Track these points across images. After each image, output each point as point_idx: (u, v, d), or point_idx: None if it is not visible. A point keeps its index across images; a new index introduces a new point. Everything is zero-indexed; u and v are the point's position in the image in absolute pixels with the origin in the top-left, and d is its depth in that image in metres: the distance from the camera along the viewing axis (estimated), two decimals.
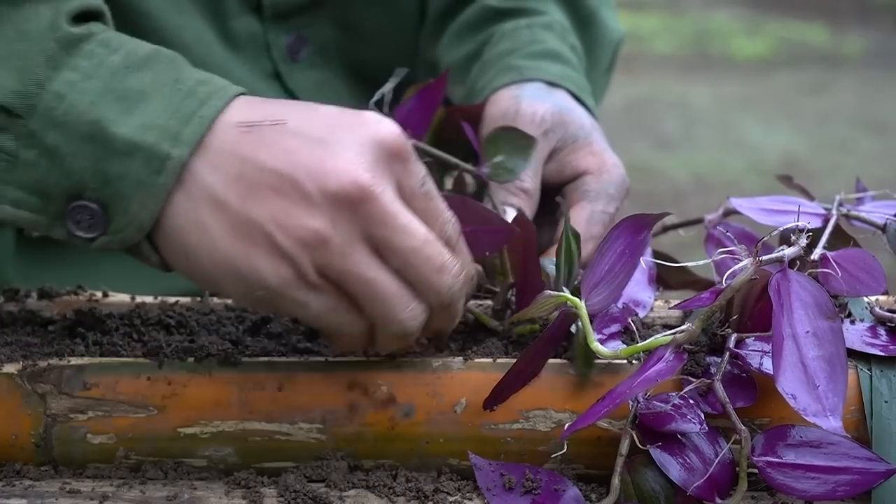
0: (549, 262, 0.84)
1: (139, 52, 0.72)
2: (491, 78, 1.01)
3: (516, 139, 0.90)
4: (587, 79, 1.06)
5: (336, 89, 1.13)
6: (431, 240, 0.70)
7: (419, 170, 0.72)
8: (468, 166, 0.89)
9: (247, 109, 0.71)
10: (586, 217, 0.93)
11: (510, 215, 0.89)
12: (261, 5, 1.08)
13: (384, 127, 0.71)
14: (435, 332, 0.76)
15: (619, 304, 0.79)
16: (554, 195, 0.96)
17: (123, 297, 0.87)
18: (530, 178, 0.93)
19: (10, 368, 0.75)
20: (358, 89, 1.14)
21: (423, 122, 0.94)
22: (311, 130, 0.70)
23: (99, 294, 0.88)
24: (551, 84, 0.99)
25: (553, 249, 0.91)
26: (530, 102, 0.96)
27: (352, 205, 0.68)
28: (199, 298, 0.86)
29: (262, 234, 0.68)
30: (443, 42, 1.11)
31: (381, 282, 0.69)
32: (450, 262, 0.71)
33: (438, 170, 0.92)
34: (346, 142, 0.69)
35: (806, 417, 0.68)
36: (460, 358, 0.76)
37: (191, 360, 0.75)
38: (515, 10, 1.08)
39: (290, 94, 1.10)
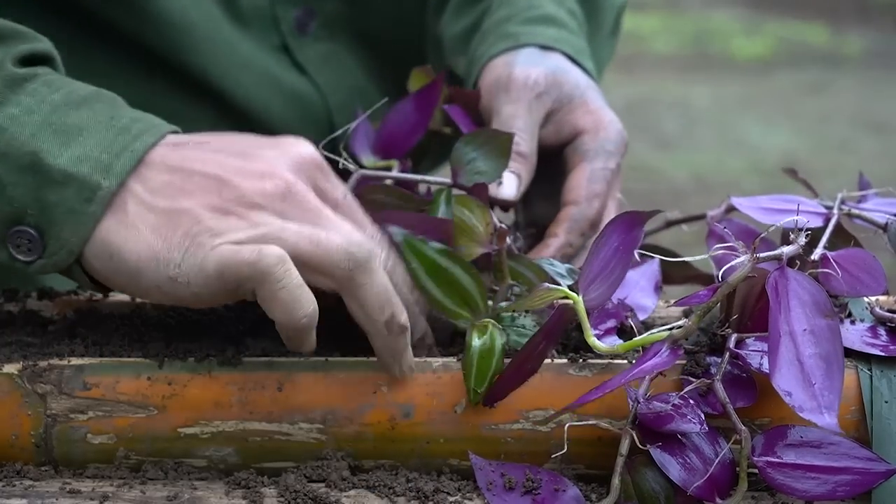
0: (546, 262, 0.84)
1: (80, 92, 0.77)
2: (488, 47, 1.01)
3: (492, 139, 0.87)
4: (589, 44, 1.06)
5: (344, 62, 1.13)
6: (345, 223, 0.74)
7: (340, 184, 0.77)
8: (439, 178, 0.87)
9: (175, 139, 0.76)
10: (587, 176, 0.93)
11: (509, 182, 0.89)
12: None
13: (302, 145, 0.77)
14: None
15: (615, 300, 0.80)
16: (554, 159, 0.95)
17: (123, 297, 0.87)
18: (526, 141, 0.92)
19: (10, 368, 0.75)
20: (366, 61, 1.14)
21: (420, 124, 0.93)
22: (233, 148, 0.76)
23: (99, 294, 0.88)
24: (546, 48, 0.99)
25: (556, 221, 0.91)
26: (523, 67, 0.96)
27: (278, 197, 0.73)
28: None
29: (189, 217, 0.72)
30: (444, 17, 1.11)
31: (303, 225, 0.73)
32: (356, 234, 0.74)
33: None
34: (267, 154, 0.76)
35: (801, 414, 0.68)
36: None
37: (191, 360, 0.75)
38: None
39: (299, 68, 1.10)
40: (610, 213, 0.93)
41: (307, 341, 0.74)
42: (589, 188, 0.92)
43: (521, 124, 0.92)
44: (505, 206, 0.91)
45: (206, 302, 0.73)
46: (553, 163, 0.95)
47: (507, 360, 0.75)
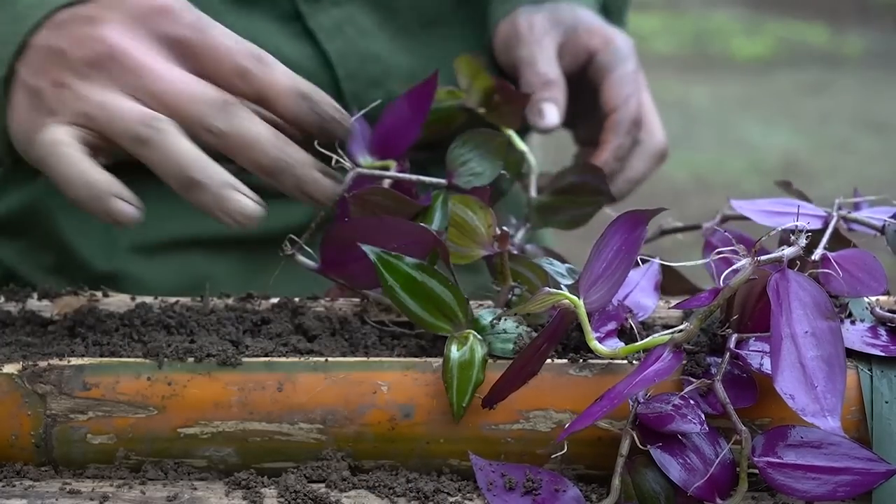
0: (545, 262, 0.84)
1: None
2: (494, 9, 1.09)
3: (488, 140, 0.87)
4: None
5: (360, 26, 1.12)
6: (182, 78, 0.77)
7: (189, 19, 0.79)
8: (432, 179, 0.86)
9: (61, 17, 0.80)
10: (615, 83, 1.01)
11: (549, 110, 0.97)
12: None
13: None
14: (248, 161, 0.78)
15: (615, 302, 0.79)
16: (581, 85, 1.03)
17: (123, 297, 0.87)
18: (552, 68, 1.00)
19: (10, 369, 0.75)
20: (385, 24, 1.14)
21: (414, 123, 0.93)
22: (92, 13, 0.79)
23: (99, 294, 0.88)
24: (538, 2, 1.07)
25: (603, 130, 1.01)
26: (526, 17, 1.05)
27: (97, 64, 0.77)
28: (199, 298, 0.86)
29: (39, 96, 0.78)
30: None
31: (108, 100, 0.76)
32: (194, 85, 0.77)
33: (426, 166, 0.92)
34: (106, 15, 0.79)
35: (804, 417, 0.67)
36: None
37: (191, 360, 0.75)
38: None
39: (310, 35, 1.10)
40: (647, 107, 1.06)
41: (112, 209, 0.75)
42: (621, 92, 1.01)
43: (541, 57, 1.00)
44: (548, 131, 1.00)
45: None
46: (581, 88, 1.03)
47: (500, 363, 0.75)
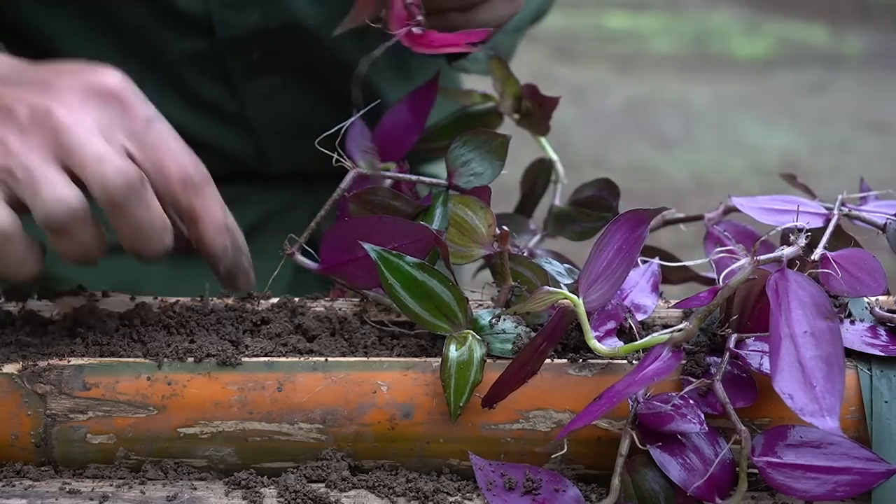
0: (544, 262, 0.84)
1: None
2: None
3: (489, 140, 0.86)
4: None
5: (288, 94, 1.12)
6: (98, 143, 0.76)
7: (141, 111, 0.79)
8: (433, 179, 0.86)
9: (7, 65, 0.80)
10: None
11: None
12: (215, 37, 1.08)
13: (104, 73, 0.79)
14: (133, 249, 0.79)
15: (614, 302, 0.79)
16: None
17: (123, 297, 0.87)
18: None
19: (10, 368, 0.75)
20: (311, 92, 1.13)
21: (416, 126, 0.93)
22: (37, 76, 0.79)
23: (99, 294, 0.88)
24: None
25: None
26: None
27: (39, 125, 0.76)
28: (199, 298, 0.86)
29: None
30: None
31: (38, 167, 0.75)
32: (115, 158, 0.76)
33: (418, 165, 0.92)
34: (62, 82, 0.78)
35: (803, 417, 0.68)
36: None
37: (191, 360, 0.75)
38: None
39: (237, 101, 1.11)
40: None
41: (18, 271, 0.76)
42: None
43: None
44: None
45: None
46: None
47: (499, 363, 0.75)
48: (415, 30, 0.83)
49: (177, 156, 0.79)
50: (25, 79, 0.80)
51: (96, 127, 0.77)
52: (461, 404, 0.73)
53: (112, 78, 0.79)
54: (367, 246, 0.77)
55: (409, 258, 0.77)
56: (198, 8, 1.06)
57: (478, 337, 0.75)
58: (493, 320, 0.77)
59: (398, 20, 0.83)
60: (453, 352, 0.74)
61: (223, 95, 1.10)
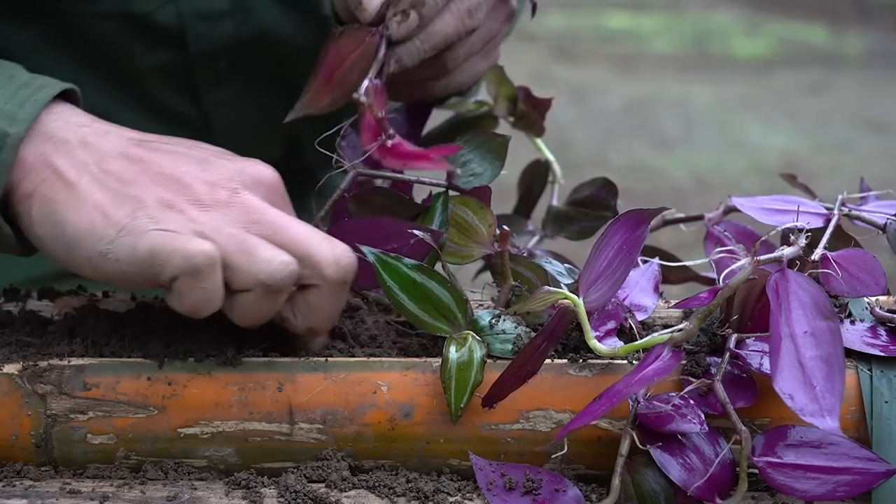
0: (544, 261, 0.84)
1: None
2: None
3: (488, 141, 0.86)
4: None
5: (250, 101, 1.12)
6: (305, 225, 0.76)
7: (292, 210, 0.79)
8: (433, 181, 0.86)
9: (141, 136, 0.79)
10: None
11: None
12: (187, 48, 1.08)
13: (263, 167, 0.79)
14: (311, 329, 0.77)
15: (614, 302, 0.79)
16: None
17: (123, 297, 0.87)
18: None
19: (10, 369, 0.75)
20: (272, 99, 1.11)
21: (413, 135, 0.94)
22: (195, 154, 0.78)
23: (99, 294, 0.88)
24: None
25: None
26: None
27: (224, 203, 0.75)
28: None
29: (135, 202, 0.74)
30: None
31: (243, 233, 0.74)
32: (337, 241, 0.76)
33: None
34: (227, 165, 0.78)
35: (803, 417, 0.68)
36: None
37: (191, 360, 0.75)
38: None
39: (202, 109, 1.11)
40: None
41: (210, 305, 0.74)
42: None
43: None
44: (381, 15, 0.85)
45: (129, 284, 0.75)
46: None
47: (499, 363, 0.75)
48: (388, 143, 0.82)
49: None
50: (174, 150, 0.78)
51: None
52: (462, 405, 0.73)
53: (270, 171, 0.79)
54: (364, 249, 0.77)
55: (407, 260, 0.77)
56: (172, 21, 1.06)
57: (478, 338, 0.75)
58: (493, 321, 0.77)
59: (369, 132, 0.82)
60: (453, 353, 0.74)
61: (187, 104, 1.10)
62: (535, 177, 1.01)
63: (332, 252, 0.75)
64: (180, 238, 0.72)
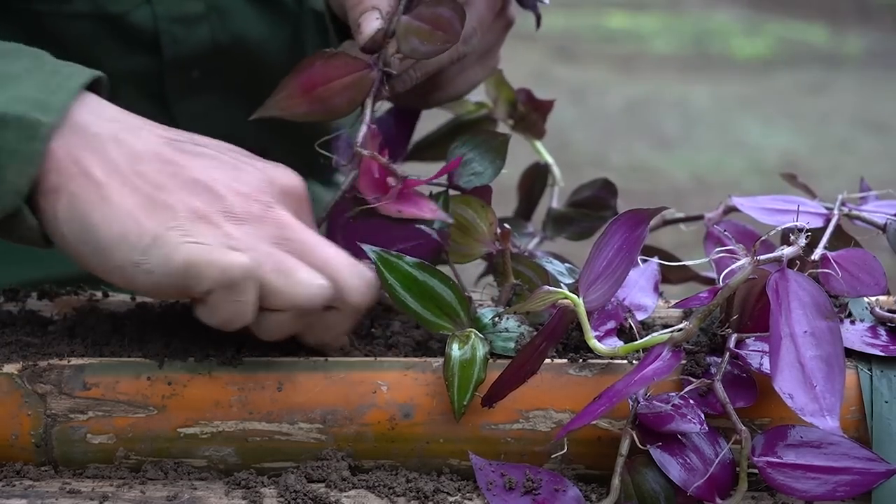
0: (545, 261, 0.84)
1: (5, 46, 0.78)
2: None
3: (488, 140, 0.86)
4: None
5: (220, 113, 1.11)
6: (335, 246, 0.76)
7: (313, 221, 0.79)
8: (434, 179, 0.86)
9: (173, 135, 0.77)
10: None
11: (366, 22, 0.84)
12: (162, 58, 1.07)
13: (291, 174, 0.78)
14: (320, 342, 0.77)
15: (614, 302, 0.79)
16: None
17: (123, 297, 0.87)
18: None
19: (10, 368, 0.75)
20: (247, 112, 1.12)
21: (403, 136, 0.94)
22: (226, 158, 0.77)
23: (99, 294, 0.88)
24: None
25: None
26: None
27: (258, 218, 0.74)
28: None
29: (168, 210, 0.73)
30: None
31: (279, 252, 0.73)
32: (364, 266, 0.76)
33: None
34: (258, 174, 0.77)
35: (803, 417, 0.68)
36: None
37: (191, 360, 0.75)
38: None
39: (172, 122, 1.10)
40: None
41: (243, 318, 0.74)
42: None
43: None
44: (376, 44, 0.84)
45: (160, 294, 0.74)
46: None
47: (499, 362, 0.75)
48: (395, 187, 0.81)
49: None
50: (205, 153, 0.77)
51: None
52: (465, 402, 0.73)
53: (298, 180, 0.78)
54: (366, 247, 0.77)
55: (408, 258, 0.77)
56: (147, 24, 1.05)
57: (480, 335, 0.75)
58: (496, 318, 0.77)
59: (370, 181, 0.82)
60: (456, 350, 0.74)
61: (157, 113, 1.09)
62: (535, 179, 1.01)
63: (359, 277, 0.75)
64: (217, 251, 0.72)
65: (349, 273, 0.75)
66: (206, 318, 0.73)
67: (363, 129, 0.81)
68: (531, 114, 0.97)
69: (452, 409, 0.73)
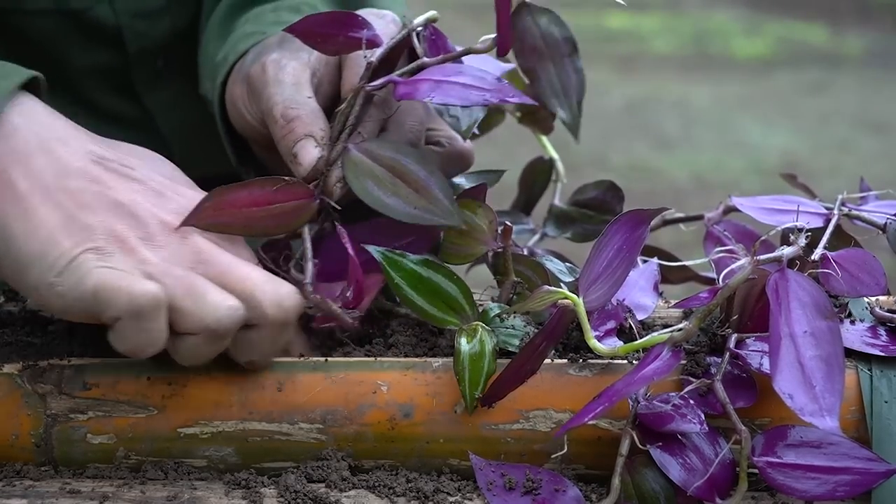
0: (547, 261, 0.84)
1: None
2: (232, 47, 0.94)
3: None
4: None
5: (190, 101, 1.08)
6: (254, 267, 0.74)
7: (241, 240, 0.77)
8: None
9: (101, 153, 0.75)
10: (353, 63, 0.84)
11: (304, 151, 0.80)
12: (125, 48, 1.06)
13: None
14: (250, 362, 0.76)
15: (614, 301, 0.79)
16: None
17: None
18: (292, 101, 0.82)
19: (10, 368, 0.75)
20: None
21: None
22: (154, 179, 0.76)
23: None
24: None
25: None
26: (258, 60, 0.87)
27: (177, 242, 0.73)
28: None
29: (86, 231, 0.71)
30: (204, 38, 1.04)
31: (190, 275, 0.72)
32: (282, 281, 0.74)
33: None
34: (185, 195, 0.76)
35: (802, 417, 0.68)
36: None
37: None
38: None
39: (146, 113, 1.09)
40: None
41: (154, 347, 0.72)
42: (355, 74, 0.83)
43: (279, 97, 0.83)
44: (316, 174, 0.80)
45: (72, 317, 0.73)
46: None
47: (499, 362, 0.75)
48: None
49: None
50: (134, 175, 0.75)
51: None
52: (477, 395, 0.73)
53: None
54: (370, 248, 0.77)
55: (411, 256, 0.77)
56: (109, 19, 1.04)
57: (487, 328, 0.75)
58: (504, 315, 0.77)
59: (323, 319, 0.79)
60: (465, 345, 0.74)
61: (129, 107, 1.08)
62: (538, 174, 1.01)
63: (275, 293, 0.73)
64: (126, 278, 0.70)
65: (264, 290, 0.73)
66: (116, 344, 0.72)
67: (310, 267, 0.78)
68: (541, 109, 0.97)
69: (465, 404, 0.73)
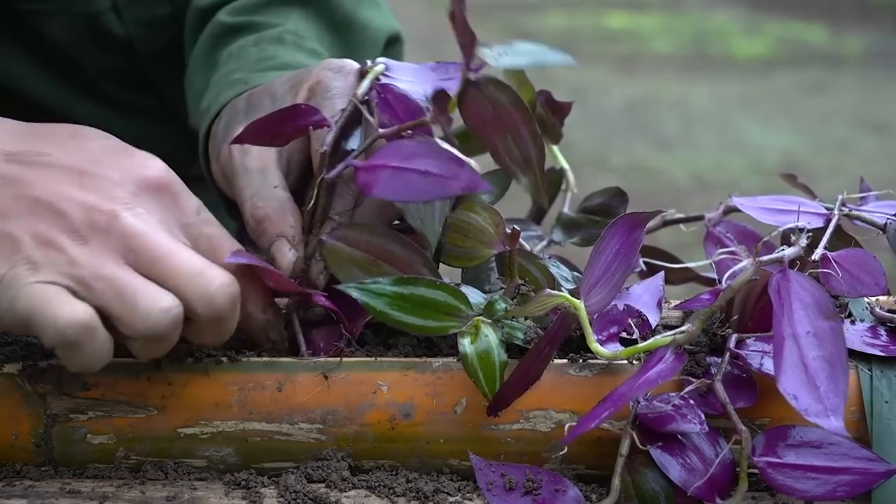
0: (552, 264, 0.84)
1: None
2: (216, 95, 0.95)
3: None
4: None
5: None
6: (185, 252, 0.71)
7: (191, 202, 0.75)
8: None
9: (12, 148, 0.73)
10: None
11: (280, 253, 0.81)
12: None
13: (149, 164, 0.74)
14: (204, 344, 0.75)
15: (621, 306, 0.79)
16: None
17: None
18: (260, 199, 0.82)
19: (10, 368, 0.75)
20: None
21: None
22: (73, 164, 0.72)
23: None
24: None
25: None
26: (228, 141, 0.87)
27: (103, 232, 0.70)
28: None
29: (11, 242, 0.70)
30: (189, 69, 1.04)
31: (121, 276, 0.70)
32: (214, 273, 0.72)
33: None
34: (109, 177, 0.72)
35: (807, 418, 0.67)
36: None
37: (190, 360, 0.75)
38: (244, 25, 1.02)
39: (169, 104, 1.11)
40: None
41: (96, 364, 0.71)
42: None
43: (247, 192, 0.83)
44: (298, 272, 0.81)
45: (15, 334, 0.71)
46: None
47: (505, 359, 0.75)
48: None
49: (229, 247, 0.75)
50: (51, 162, 0.73)
51: (161, 227, 0.72)
52: (496, 389, 0.73)
53: (158, 168, 0.74)
54: (342, 287, 0.74)
55: (383, 279, 0.75)
56: (118, 27, 1.06)
57: (487, 321, 0.75)
58: (510, 309, 0.77)
59: None
60: (468, 346, 0.74)
61: (151, 100, 1.10)
62: (549, 184, 1.01)
63: (204, 289, 0.71)
64: (54, 302, 0.68)
65: (193, 285, 0.71)
66: (64, 364, 0.70)
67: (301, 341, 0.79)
68: (549, 117, 0.97)
69: (486, 399, 0.73)
